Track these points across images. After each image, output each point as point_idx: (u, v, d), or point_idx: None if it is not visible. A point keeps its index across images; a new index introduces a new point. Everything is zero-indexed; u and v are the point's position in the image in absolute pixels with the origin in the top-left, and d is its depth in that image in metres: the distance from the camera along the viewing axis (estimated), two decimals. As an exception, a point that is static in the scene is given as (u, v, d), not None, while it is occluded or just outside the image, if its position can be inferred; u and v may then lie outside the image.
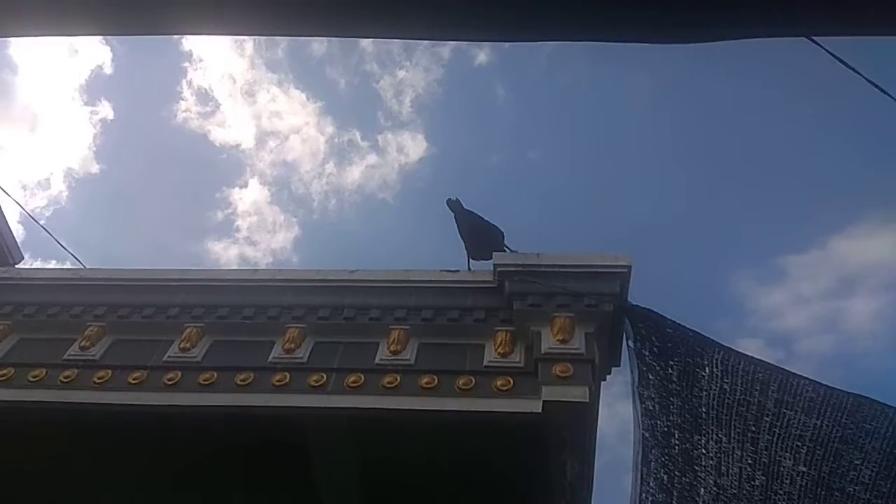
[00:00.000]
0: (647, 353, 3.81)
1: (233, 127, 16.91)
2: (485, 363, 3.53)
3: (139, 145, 15.75)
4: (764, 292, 14.46)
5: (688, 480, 4.04)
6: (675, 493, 4.11)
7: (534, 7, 0.86)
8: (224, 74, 16.00)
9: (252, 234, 16.20)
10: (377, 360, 3.57)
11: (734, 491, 3.92)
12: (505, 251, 3.96)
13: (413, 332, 3.70)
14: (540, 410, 3.27)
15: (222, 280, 3.96)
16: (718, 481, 3.94)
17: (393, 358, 3.58)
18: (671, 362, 3.71)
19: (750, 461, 3.76)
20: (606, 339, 3.70)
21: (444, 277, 3.83)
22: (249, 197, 16.88)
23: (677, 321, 3.59)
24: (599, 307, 3.56)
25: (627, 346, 3.89)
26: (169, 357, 3.71)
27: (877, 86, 2.79)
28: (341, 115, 16.05)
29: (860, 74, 2.76)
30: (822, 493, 3.66)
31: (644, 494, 4.20)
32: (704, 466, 3.95)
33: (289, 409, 3.39)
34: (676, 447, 3.99)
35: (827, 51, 2.57)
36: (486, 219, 4.20)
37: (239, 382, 3.50)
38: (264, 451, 3.60)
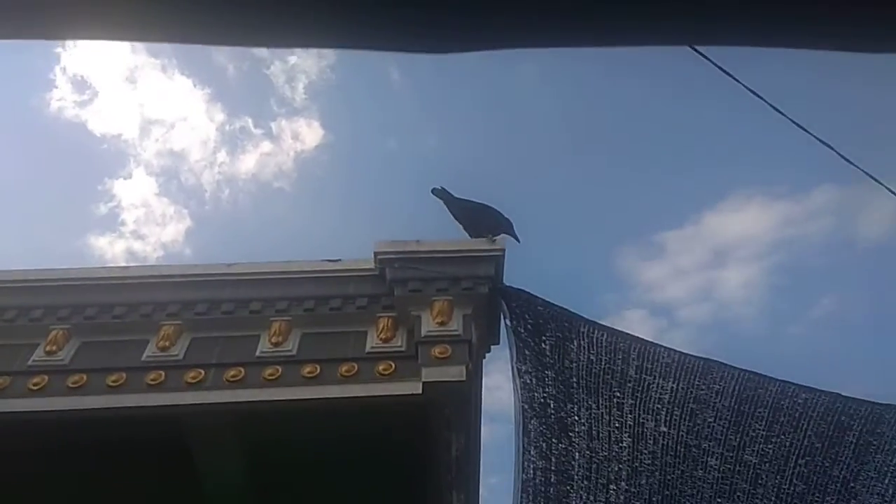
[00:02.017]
0: (522, 331, 4.02)
1: (113, 116, 15.86)
2: (367, 349, 3.60)
3: (10, 136, 14.49)
4: (646, 266, 15.39)
5: (564, 446, 4.32)
6: (553, 459, 4.38)
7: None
8: (102, 60, 14.94)
9: (139, 228, 15.34)
10: (258, 353, 3.56)
11: (605, 453, 4.23)
12: (504, 232, 3.98)
13: (295, 323, 3.71)
14: (420, 391, 3.38)
15: (90, 279, 3.79)
16: (591, 445, 4.24)
17: (274, 350, 3.58)
18: (544, 337, 3.93)
19: (617, 425, 4.06)
20: (484, 319, 3.86)
21: (325, 267, 3.85)
22: (135, 189, 15.92)
23: (547, 300, 3.80)
24: (476, 289, 3.70)
25: (505, 324, 4.10)
26: (34, 361, 3.53)
27: (747, 87, 3.09)
28: (231, 102, 15.38)
29: (733, 77, 3.05)
30: (682, 450, 4.02)
31: (526, 462, 4.45)
32: (578, 432, 4.23)
33: (164, 407, 3.32)
34: (552, 416, 4.25)
35: (705, 56, 2.83)
36: (476, 201, 4.22)
37: (110, 383, 3.39)
38: (143, 450, 3.53)
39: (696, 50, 2.96)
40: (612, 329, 3.78)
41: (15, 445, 3.32)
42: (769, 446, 3.71)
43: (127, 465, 3.61)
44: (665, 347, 3.75)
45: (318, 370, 3.47)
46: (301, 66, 14.81)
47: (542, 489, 4.52)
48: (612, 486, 4.32)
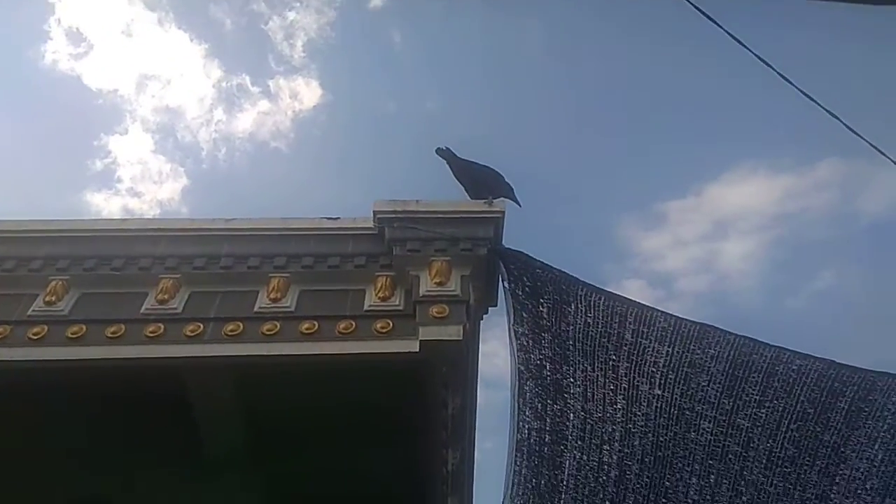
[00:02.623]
0: (520, 293, 4.02)
1: (109, 70, 15.65)
2: (365, 307, 3.61)
3: (4, 89, 14.32)
4: (646, 236, 15.38)
5: (559, 407, 4.37)
6: (548, 420, 4.43)
7: None
8: (97, 12, 14.66)
9: (136, 185, 15.27)
10: (256, 308, 3.57)
11: (599, 415, 4.28)
12: (505, 196, 3.95)
13: (293, 280, 3.71)
14: (417, 350, 3.40)
15: (89, 230, 3.78)
16: (585, 406, 4.29)
17: (273, 305, 3.59)
18: (541, 300, 3.94)
19: (612, 387, 4.10)
20: (482, 280, 3.86)
21: (324, 225, 3.84)
22: (131, 145, 15.80)
23: (546, 262, 3.79)
24: (474, 251, 3.70)
25: (503, 286, 4.10)
26: (33, 311, 3.54)
27: (754, 53, 3.03)
28: (229, 59, 15.16)
29: (739, 42, 2.98)
30: (675, 412, 4.06)
31: (521, 423, 4.50)
32: (573, 394, 4.27)
33: (163, 359, 3.34)
34: (548, 378, 4.29)
35: (700, 11, 2.76)
36: (479, 163, 4.18)
37: (109, 335, 3.41)
38: (143, 402, 3.56)
39: (700, 11, 2.91)
40: (610, 293, 3.79)
41: (15, 393, 3.36)
42: (762, 411, 3.75)
43: (127, 416, 3.65)
44: (662, 312, 3.77)
45: (317, 326, 3.49)
46: (300, 23, 14.57)
47: (537, 448, 4.58)
48: (605, 447, 4.38)
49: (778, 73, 3.27)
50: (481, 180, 4.09)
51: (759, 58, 3.19)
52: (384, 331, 3.49)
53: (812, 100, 3.37)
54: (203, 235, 3.79)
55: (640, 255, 15.37)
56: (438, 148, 4.27)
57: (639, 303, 3.79)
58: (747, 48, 3.13)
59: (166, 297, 3.59)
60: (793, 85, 3.30)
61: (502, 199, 3.88)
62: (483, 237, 3.74)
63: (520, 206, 3.98)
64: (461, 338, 3.41)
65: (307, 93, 15.55)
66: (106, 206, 14.90)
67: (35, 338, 3.41)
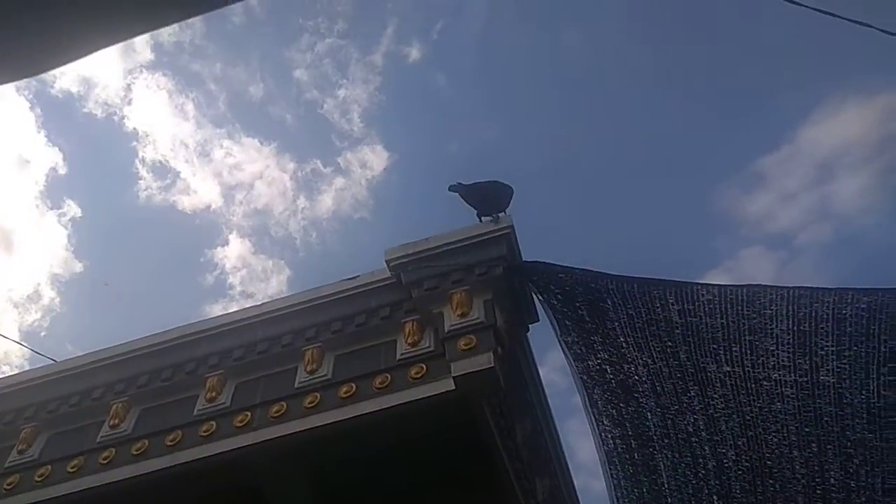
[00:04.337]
0: (555, 302, 3.88)
1: (197, 190, 16.91)
2: (398, 357, 3.60)
3: (113, 232, 15.75)
4: (749, 199, 14.48)
5: (633, 409, 4.14)
6: (627, 425, 4.21)
7: None
8: (174, 142, 15.96)
9: (246, 288, 16.19)
10: (297, 384, 3.64)
11: (676, 407, 4.02)
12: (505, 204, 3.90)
13: (326, 347, 3.76)
14: (454, 387, 3.34)
15: (136, 350, 4.00)
16: (659, 402, 4.04)
17: (311, 378, 3.64)
18: (577, 303, 3.78)
19: (679, 375, 3.84)
20: (509, 300, 3.77)
21: (344, 286, 3.88)
22: (233, 252, 16.88)
23: (566, 265, 3.66)
24: (490, 273, 3.62)
25: (538, 300, 3.98)
26: (101, 437, 3.77)
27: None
28: (297, 150, 16.05)
29: None
30: (753, 386, 3.75)
31: (602, 434, 4.31)
32: (642, 392, 4.04)
33: (218, 455, 3.44)
34: (613, 381, 4.09)
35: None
36: (482, 182, 4.15)
37: (168, 443, 3.56)
38: (216, 497, 3.66)
39: None
40: (639, 278, 3.59)
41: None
42: (843, 362, 3.40)
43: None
44: (700, 284, 3.52)
45: (354, 388, 3.50)
46: (351, 97, 15.17)
47: (627, 457, 4.36)
48: (693, 439, 4.10)
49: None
50: (487, 198, 4.03)
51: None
52: (419, 376, 3.45)
53: (869, 26, 3.11)
54: (238, 328, 3.92)
55: (749, 221, 14.44)
56: (450, 185, 4.22)
57: (672, 281, 3.56)
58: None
59: (214, 394, 3.73)
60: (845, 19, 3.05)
61: (507, 216, 3.79)
62: (496, 257, 3.66)
63: (503, 213, 3.81)
64: (493, 364, 3.31)
65: (374, 159, 16.12)
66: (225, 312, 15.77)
67: (105, 462, 3.61)
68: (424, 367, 3.49)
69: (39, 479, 3.68)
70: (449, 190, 4.22)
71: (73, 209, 15.25)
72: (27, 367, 4.42)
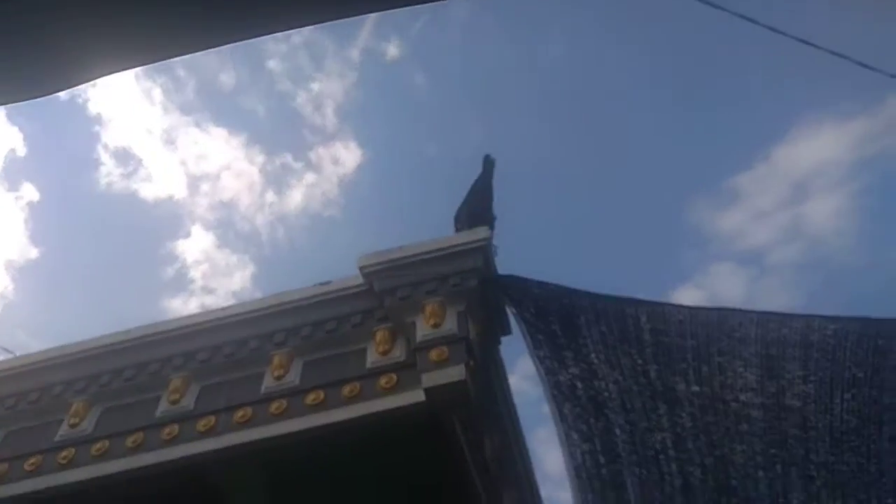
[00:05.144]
0: (528, 316, 3.88)
1: (160, 179, 16.53)
2: (368, 365, 3.55)
3: (71, 219, 15.35)
4: (722, 215, 14.61)
5: (602, 425, 4.15)
6: (596, 440, 4.21)
7: None
8: (138, 129, 15.61)
9: (208, 282, 15.87)
10: (263, 390, 3.58)
11: (645, 424, 4.03)
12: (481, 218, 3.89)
13: (296, 353, 3.71)
14: (424, 399, 3.31)
15: (99, 347, 3.90)
16: (628, 418, 4.05)
17: (278, 384, 3.58)
18: (550, 318, 3.78)
19: (648, 394, 3.86)
20: (483, 312, 3.75)
21: (316, 291, 3.83)
22: (195, 245, 16.54)
23: (540, 280, 3.65)
24: (465, 284, 3.60)
25: (511, 313, 3.97)
26: (60, 436, 3.67)
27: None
28: (268, 142, 15.72)
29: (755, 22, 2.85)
30: (721, 406, 3.78)
31: (572, 448, 4.30)
32: (612, 408, 4.05)
33: (181, 460, 3.37)
34: (583, 397, 4.09)
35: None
36: (477, 185, 4.13)
37: (130, 445, 3.48)
38: (176, 500, 3.59)
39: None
40: (613, 296, 3.60)
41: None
42: (809, 386, 3.44)
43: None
44: (672, 305, 3.54)
45: (322, 396, 3.45)
46: (326, 91, 14.98)
47: (595, 471, 4.35)
48: (660, 456, 4.11)
49: (801, 40, 3.09)
50: (464, 207, 4.01)
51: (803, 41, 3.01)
52: (388, 386, 3.41)
53: (843, 56, 3.16)
54: (205, 329, 3.84)
55: (721, 237, 14.57)
56: (486, 155, 4.17)
57: (644, 300, 3.58)
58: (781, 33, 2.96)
59: (178, 396, 3.65)
60: (827, 50, 3.10)
61: (484, 228, 3.77)
62: (471, 268, 3.63)
63: (491, 230, 3.80)
64: (465, 377, 3.29)
65: (347, 155, 15.86)
66: (185, 307, 15.53)
67: (64, 462, 3.52)
68: (395, 376, 3.45)
69: (-7, 476, 3.58)
70: (484, 159, 4.14)
71: (30, 192, 14.87)
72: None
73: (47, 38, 0.90)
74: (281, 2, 0.89)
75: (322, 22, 1.01)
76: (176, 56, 1.03)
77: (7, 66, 0.92)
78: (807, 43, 3.28)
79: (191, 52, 1.00)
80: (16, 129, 13.48)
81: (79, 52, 0.93)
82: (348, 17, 0.99)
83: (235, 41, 0.99)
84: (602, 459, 4.31)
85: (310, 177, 15.84)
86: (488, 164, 4.14)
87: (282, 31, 1.02)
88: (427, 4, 0.91)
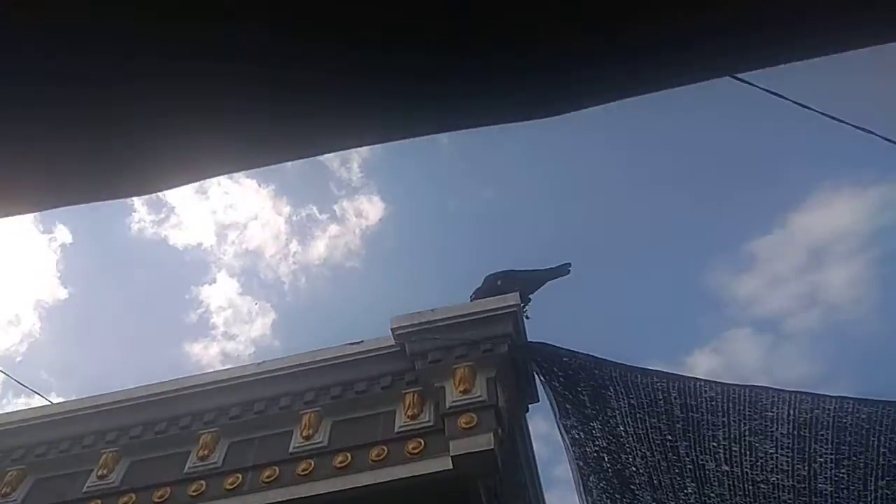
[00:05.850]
0: (557, 384, 3.88)
1: (190, 227, 16.97)
2: (396, 429, 3.57)
3: (102, 262, 15.71)
4: (739, 280, 14.52)
5: (628, 500, 4.08)
6: (621, 515, 4.14)
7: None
8: None
9: (229, 329, 16.04)
10: (291, 449, 3.59)
11: (672, 502, 3.97)
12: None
13: (325, 413, 3.74)
14: (451, 466, 3.30)
15: (134, 399, 3.96)
16: (655, 496, 3.98)
17: (306, 443, 3.60)
18: (579, 388, 3.78)
19: (677, 470, 3.81)
20: (512, 379, 3.76)
21: (347, 351, 3.88)
22: (219, 292, 16.81)
23: (571, 349, 3.67)
24: (495, 350, 3.63)
25: (539, 381, 3.98)
26: (88, 487, 3.69)
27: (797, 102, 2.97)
28: (294, 194, 16.16)
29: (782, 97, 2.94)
30: (750, 488, 3.71)
31: (595, 523, 4.23)
32: (639, 484, 3.99)
33: (207, 517, 3.38)
34: (609, 470, 4.04)
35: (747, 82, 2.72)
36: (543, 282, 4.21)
37: (156, 500, 3.50)
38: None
39: (737, 78, 2.85)
40: (643, 368, 3.60)
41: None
42: (841, 471, 3.38)
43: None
44: (704, 380, 3.53)
45: (349, 459, 3.46)
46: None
47: (619, 550, 4.27)
48: (687, 537, 4.03)
49: (830, 116, 3.17)
50: (493, 283, 4.08)
51: (824, 114, 3.09)
52: (416, 451, 3.42)
53: (869, 132, 3.23)
54: (236, 384, 3.89)
55: (738, 302, 14.46)
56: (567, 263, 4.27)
57: (676, 374, 3.58)
58: (797, 102, 3.04)
59: (206, 452, 3.68)
60: (842, 121, 3.18)
61: (514, 294, 3.82)
62: (502, 334, 3.67)
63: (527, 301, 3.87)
64: (492, 446, 3.29)
65: (370, 209, 16.25)
66: (205, 353, 15.65)
67: (89, 515, 3.54)
68: (422, 441, 3.46)
69: (19, 524, 3.60)
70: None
71: (63, 234, 15.28)
72: None
73: (136, 146, 0.98)
74: (341, 126, 0.97)
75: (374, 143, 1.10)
76: (243, 170, 1.12)
77: (88, 169, 1.00)
78: (831, 117, 3.33)
79: (256, 168, 1.09)
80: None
81: (162, 162, 1.01)
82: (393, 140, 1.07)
83: (303, 157, 1.07)
84: (627, 536, 4.23)
85: (333, 228, 16.16)
86: (563, 269, 4.23)
87: (339, 150, 1.11)
88: None
